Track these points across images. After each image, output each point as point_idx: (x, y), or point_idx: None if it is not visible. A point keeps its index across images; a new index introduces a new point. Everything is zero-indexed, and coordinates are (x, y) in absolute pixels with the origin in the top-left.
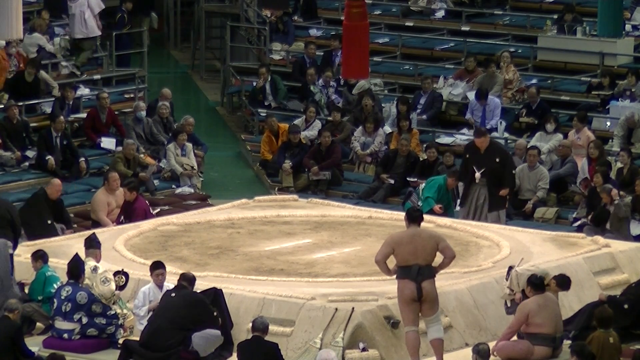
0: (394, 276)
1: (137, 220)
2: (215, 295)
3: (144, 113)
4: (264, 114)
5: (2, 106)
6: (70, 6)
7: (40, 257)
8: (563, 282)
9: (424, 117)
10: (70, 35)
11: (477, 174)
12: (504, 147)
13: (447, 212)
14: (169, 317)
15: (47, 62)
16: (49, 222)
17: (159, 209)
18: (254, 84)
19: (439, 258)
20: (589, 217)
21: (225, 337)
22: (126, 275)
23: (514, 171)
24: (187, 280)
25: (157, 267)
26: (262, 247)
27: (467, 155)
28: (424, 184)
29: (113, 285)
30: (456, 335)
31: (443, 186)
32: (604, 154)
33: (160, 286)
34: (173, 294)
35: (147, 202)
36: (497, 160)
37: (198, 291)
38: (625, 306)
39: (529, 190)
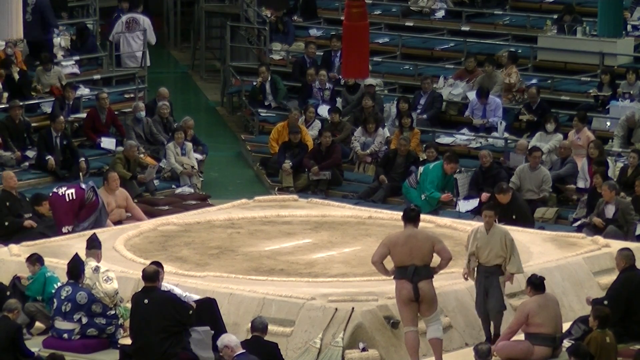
0: (392, 277)
1: None
2: (209, 305)
3: (143, 113)
4: (265, 114)
5: (4, 106)
6: (128, 37)
7: (36, 260)
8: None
9: (424, 117)
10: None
11: None
12: (523, 202)
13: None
14: (156, 329)
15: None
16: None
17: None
18: (254, 83)
19: (437, 258)
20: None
21: None
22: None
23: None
24: (150, 279)
25: None
26: (262, 247)
27: None
28: (421, 169)
29: (116, 284)
30: (456, 335)
31: (442, 172)
32: (604, 154)
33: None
34: (146, 301)
35: None
36: (514, 217)
37: (193, 298)
38: (605, 302)
39: (530, 190)
